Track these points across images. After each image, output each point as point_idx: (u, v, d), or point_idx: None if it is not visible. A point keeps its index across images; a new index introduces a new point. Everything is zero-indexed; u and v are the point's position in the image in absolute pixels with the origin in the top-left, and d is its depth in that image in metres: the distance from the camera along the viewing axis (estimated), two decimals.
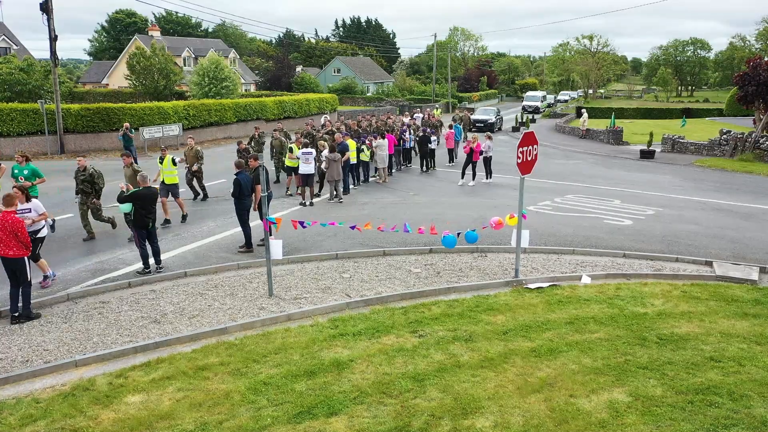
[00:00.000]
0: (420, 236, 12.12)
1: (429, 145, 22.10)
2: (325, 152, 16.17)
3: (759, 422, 5.83)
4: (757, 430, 5.73)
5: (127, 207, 10.12)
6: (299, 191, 16.65)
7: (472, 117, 39.86)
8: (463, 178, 19.77)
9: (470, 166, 19.58)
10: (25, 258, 8.40)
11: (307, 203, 15.87)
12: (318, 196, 16.90)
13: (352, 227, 10.31)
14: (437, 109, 39.15)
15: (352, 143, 17.97)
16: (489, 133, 22.37)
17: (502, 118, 44.89)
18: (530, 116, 50.45)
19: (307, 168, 15.68)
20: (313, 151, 15.98)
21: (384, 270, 10.66)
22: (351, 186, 18.19)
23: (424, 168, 22.31)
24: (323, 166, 16.28)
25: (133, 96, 45.53)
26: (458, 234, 9.87)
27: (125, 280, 9.96)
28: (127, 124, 23.41)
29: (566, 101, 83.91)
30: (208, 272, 10.53)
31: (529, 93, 75.66)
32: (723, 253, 11.81)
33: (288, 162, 17.09)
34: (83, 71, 79.10)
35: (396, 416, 5.96)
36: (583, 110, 45.07)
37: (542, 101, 67.50)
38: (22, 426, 5.89)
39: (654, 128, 34.80)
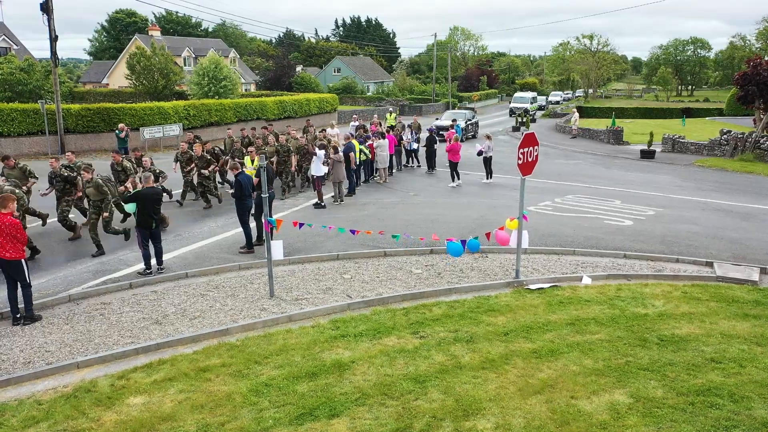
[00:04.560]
0: (421, 237, 12.14)
1: (434, 147, 22.13)
2: (320, 152, 16.20)
3: (760, 423, 5.84)
4: (758, 431, 5.74)
5: (131, 207, 10.12)
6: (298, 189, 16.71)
7: (435, 123, 32.62)
8: (453, 180, 19.56)
9: (454, 166, 19.33)
10: (23, 260, 8.39)
11: (323, 204, 15.88)
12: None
13: (353, 232, 10.31)
14: (391, 113, 32.04)
15: (356, 143, 18.03)
16: (488, 132, 22.35)
17: (477, 123, 37.75)
18: (530, 117, 48.30)
19: (320, 169, 15.88)
20: (322, 153, 16.09)
21: (385, 271, 10.67)
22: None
23: (430, 169, 22.35)
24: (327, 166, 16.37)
25: (133, 96, 45.51)
26: (463, 242, 9.87)
27: (126, 281, 9.97)
28: (121, 125, 23.50)
29: (558, 102, 79.20)
30: (209, 273, 10.54)
31: (518, 94, 67.05)
32: (723, 254, 11.82)
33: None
34: (83, 71, 79.13)
35: (397, 418, 5.97)
36: (574, 110, 44.57)
37: (532, 103, 60.59)
38: (24, 428, 5.90)
39: (654, 128, 34.81)
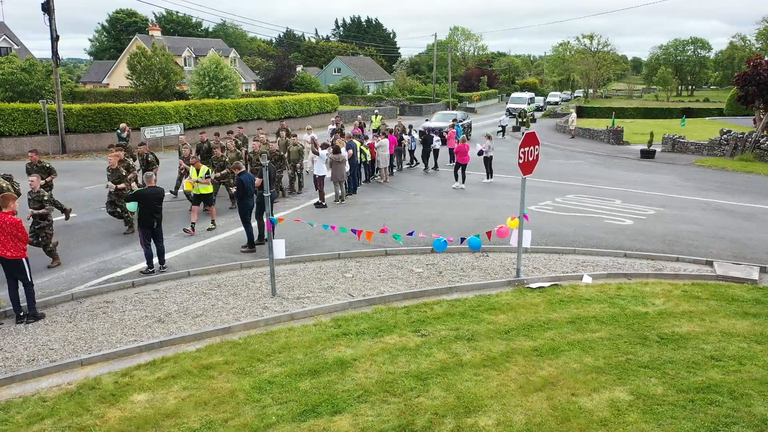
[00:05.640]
0: (422, 236, 12.18)
1: (431, 146, 22.21)
2: (323, 152, 16.26)
3: (759, 420, 5.88)
4: (758, 428, 5.78)
5: (133, 206, 10.17)
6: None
7: (425, 125, 30.97)
8: (456, 180, 19.46)
9: (460, 168, 19.07)
10: (24, 260, 8.42)
11: (324, 203, 15.91)
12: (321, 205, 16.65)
13: (354, 231, 10.34)
14: (377, 115, 30.85)
15: (358, 143, 18.09)
16: (488, 132, 22.35)
17: (470, 125, 35.84)
18: (529, 117, 47.61)
19: (322, 169, 15.98)
20: (325, 152, 16.11)
21: (386, 269, 10.71)
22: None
23: (427, 167, 22.39)
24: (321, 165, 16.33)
25: (133, 96, 45.57)
26: (462, 240, 9.89)
27: (129, 280, 10.02)
28: (123, 125, 23.57)
29: (557, 103, 77.22)
30: (211, 272, 10.59)
31: (515, 94, 64.09)
32: (723, 253, 11.86)
33: (187, 186, 13.80)
34: (83, 71, 79.21)
35: (399, 415, 6.01)
36: (572, 109, 44.40)
37: (529, 104, 57.96)
38: (29, 424, 5.95)
39: (654, 128, 34.86)
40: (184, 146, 17.08)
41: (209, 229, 13.28)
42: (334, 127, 23.75)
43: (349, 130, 23.54)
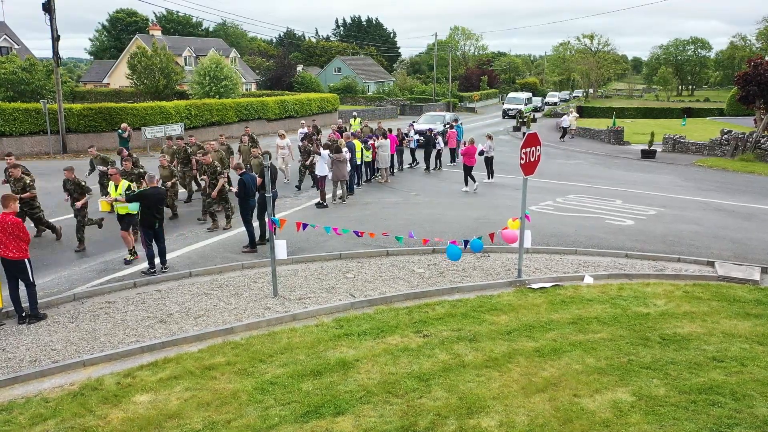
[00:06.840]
0: (424, 239, 12.18)
1: (434, 147, 22.22)
2: (325, 152, 16.26)
3: (761, 422, 5.89)
4: (760, 429, 5.79)
5: (134, 207, 10.16)
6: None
7: (417, 127, 27.12)
8: (467, 184, 19.33)
9: (469, 170, 18.94)
10: (26, 260, 8.41)
11: (325, 203, 15.91)
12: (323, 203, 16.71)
13: (357, 233, 10.34)
14: (355, 117, 28.45)
15: (357, 143, 18.07)
16: (489, 132, 22.32)
17: (460, 126, 28.73)
18: (530, 117, 46.61)
19: (323, 169, 15.97)
20: (326, 153, 16.11)
21: (387, 270, 10.71)
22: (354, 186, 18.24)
23: (427, 168, 22.42)
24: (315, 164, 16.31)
25: (134, 95, 45.57)
26: (465, 243, 9.88)
27: (130, 280, 10.02)
28: (124, 125, 23.55)
29: (555, 103, 75.36)
30: (212, 272, 10.59)
31: (511, 95, 61.62)
32: (725, 254, 11.86)
33: (103, 206, 12.18)
34: (84, 70, 79.24)
35: (402, 415, 6.02)
36: (571, 109, 44.13)
37: (527, 104, 55.40)
38: (32, 425, 5.95)
39: (655, 128, 34.83)
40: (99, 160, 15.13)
41: (127, 261, 11.04)
42: (305, 131, 21.83)
43: (327, 134, 22.13)
